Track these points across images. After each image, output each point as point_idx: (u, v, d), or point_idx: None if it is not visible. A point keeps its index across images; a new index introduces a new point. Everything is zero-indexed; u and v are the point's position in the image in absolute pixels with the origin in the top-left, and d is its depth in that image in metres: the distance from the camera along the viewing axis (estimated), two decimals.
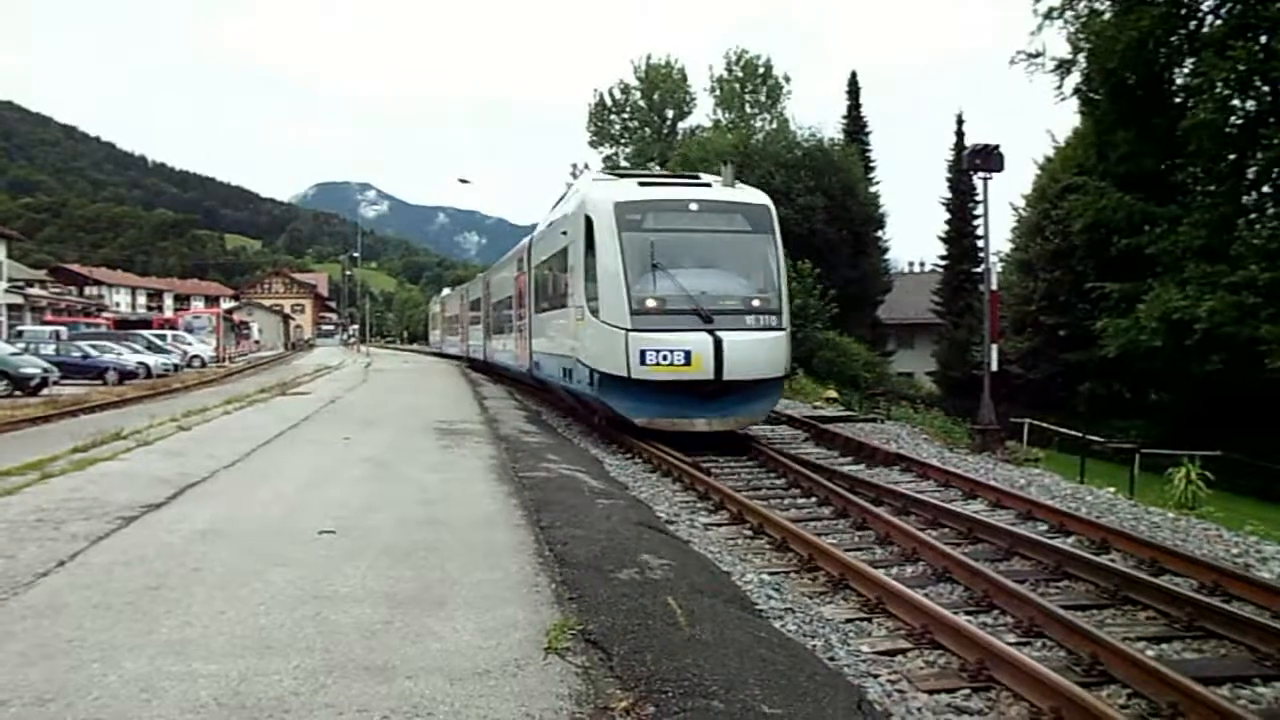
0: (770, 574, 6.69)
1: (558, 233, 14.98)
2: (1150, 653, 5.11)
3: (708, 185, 13.61)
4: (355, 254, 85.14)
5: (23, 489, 7.60)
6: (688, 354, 11.53)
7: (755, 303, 12.31)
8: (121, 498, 7.27)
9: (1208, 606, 5.70)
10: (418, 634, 4.16)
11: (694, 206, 12.62)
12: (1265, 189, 23.03)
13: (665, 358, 11.51)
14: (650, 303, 11.83)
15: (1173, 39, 23.30)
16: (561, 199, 17.82)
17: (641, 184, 13.43)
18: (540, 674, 3.70)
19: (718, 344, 11.53)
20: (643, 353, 11.56)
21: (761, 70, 45.73)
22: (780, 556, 7.41)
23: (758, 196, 13.57)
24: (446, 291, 52.23)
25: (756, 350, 11.93)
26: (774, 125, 41.71)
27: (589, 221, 12.69)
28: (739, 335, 11.75)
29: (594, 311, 12.43)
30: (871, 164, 42.76)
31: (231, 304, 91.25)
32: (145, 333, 39.84)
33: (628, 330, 11.70)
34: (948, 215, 44.57)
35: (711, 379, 11.61)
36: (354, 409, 16.80)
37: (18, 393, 21.74)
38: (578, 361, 13.37)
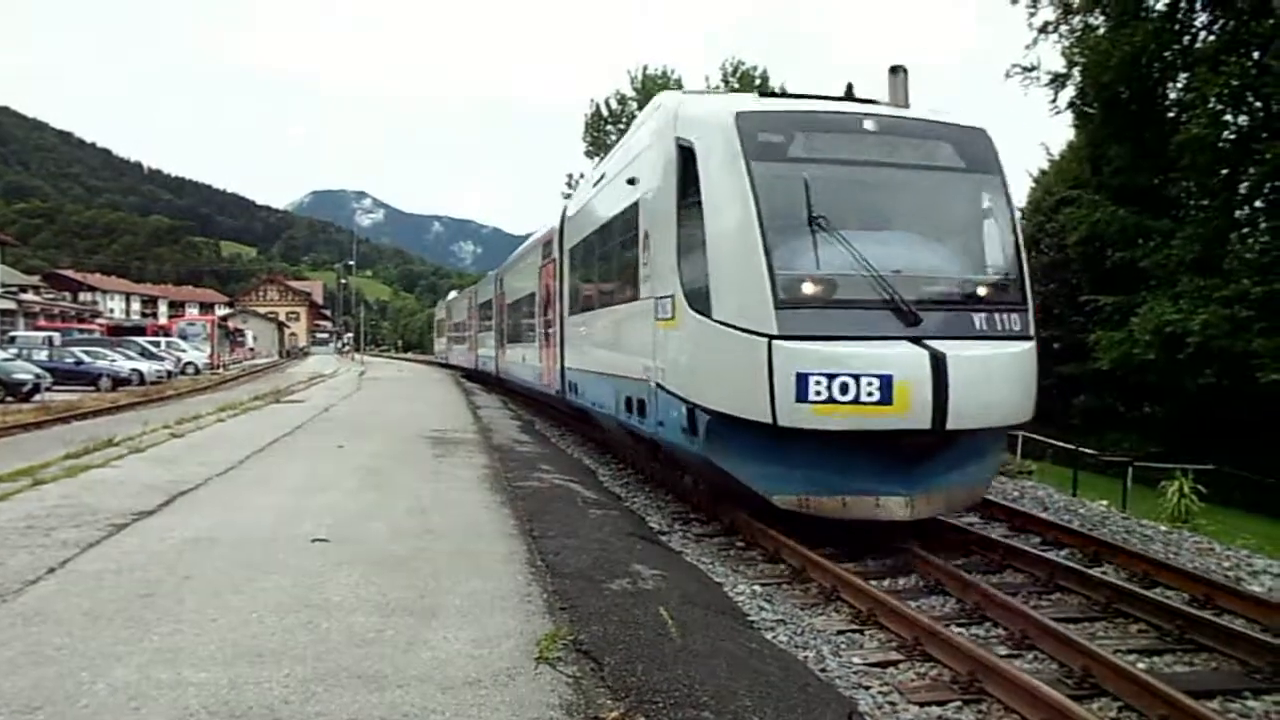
0: (762, 585, 6.70)
1: (617, 185, 10.08)
2: (1141, 665, 5.12)
3: (873, 101, 8.80)
4: (350, 262, 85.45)
5: (13, 495, 7.57)
6: (885, 382, 6.63)
7: (983, 290, 7.47)
8: (113, 505, 7.25)
9: (1199, 620, 5.71)
10: (410, 643, 4.15)
11: (870, 125, 7.70)
12: (1258, 203, 23.20)
13: (844, 388, 6.62)
14: (809, 288, 7.00)
15: (1166, 54, 23.57)
16: (617, 144, 12.24)
17: (764, 94, 9.12)
18: (532, 683, 3.70)
19: (937, 364, 6.68)
20: (801, 379, 6.66)
21: (757, 81, 45.87)
22: (772, 568, 7.41)
23: (963, 120, 8.28)
24: (453, 295, 44.60)
25: (1000, 375, 7.12)
26: None
27: (684, 153, 7.81)
28: (970, 348, 6.98)
29: (696, 304, 7.50)
30: None
31: (226, 311, 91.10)
32: (139, 339, 39.81)
33: (770, 337, 6.80)
34: None
35: (928, 428, 6.71)
36: (348, 417, 16.77)
37: (10, 398, 21.71)
38: (658, 389, 8.42)
